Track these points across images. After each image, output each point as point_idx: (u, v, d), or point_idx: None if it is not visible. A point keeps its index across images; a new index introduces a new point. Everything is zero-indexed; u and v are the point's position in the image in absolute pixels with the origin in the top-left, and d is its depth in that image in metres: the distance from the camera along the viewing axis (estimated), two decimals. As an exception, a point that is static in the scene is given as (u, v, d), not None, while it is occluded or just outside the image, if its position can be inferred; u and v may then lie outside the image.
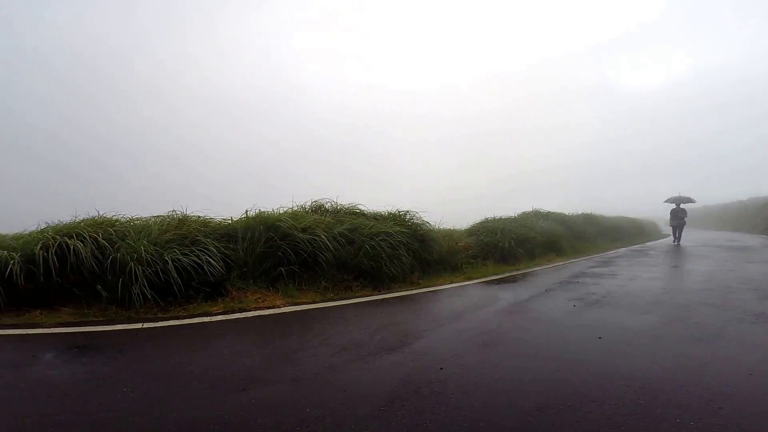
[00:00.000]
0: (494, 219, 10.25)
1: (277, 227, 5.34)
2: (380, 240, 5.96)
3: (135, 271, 4.09)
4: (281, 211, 5.94)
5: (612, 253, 11.66)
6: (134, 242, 4.37)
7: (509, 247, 9.13)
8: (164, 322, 3.84)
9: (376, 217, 7.70)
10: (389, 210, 7.97)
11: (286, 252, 5.16)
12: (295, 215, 5.95)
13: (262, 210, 5.73)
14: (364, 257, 5.67)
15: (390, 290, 5.66)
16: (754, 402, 2.05)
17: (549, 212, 13.32)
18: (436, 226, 9.28)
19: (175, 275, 4.24)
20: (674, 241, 14.32)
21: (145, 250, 4.24)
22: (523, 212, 12.99)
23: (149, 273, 4.14)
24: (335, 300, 4.95)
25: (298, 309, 4.48)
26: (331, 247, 5.43)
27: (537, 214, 12.91)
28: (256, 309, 4.34)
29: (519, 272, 7.87)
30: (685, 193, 15.37)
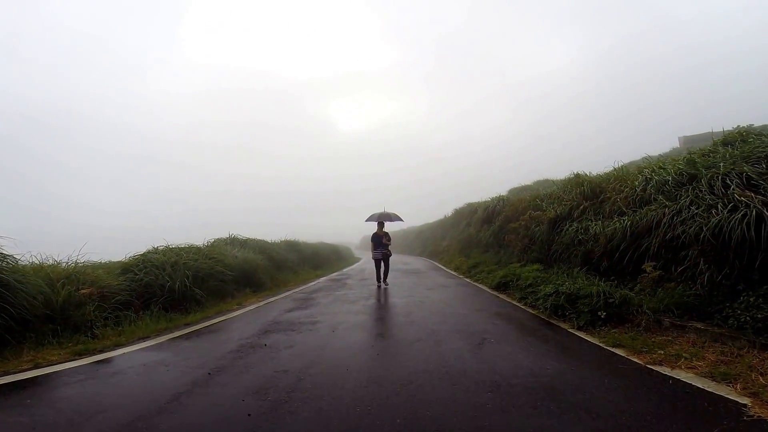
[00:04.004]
0: (165, 249, 7.10)
1: None
2: None
3: None
4: None
5: (313, 284, 10.76)
6: None
7: (183, 287, 6.28)
8: None
9: None
10: None
11: None
12: None
13: None
14: None
15: None
16: None
17: (248, 239, 11.29)
18: (63, 263, 5.50)
19: None
20: (379, 283, 9.44)
21: None
22: (217, 239, 10.40)
23: None
24: None
25: None
26: None
27: (233, 241, 10.61)
28: None
29: (188, 329, 5.15)
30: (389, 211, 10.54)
